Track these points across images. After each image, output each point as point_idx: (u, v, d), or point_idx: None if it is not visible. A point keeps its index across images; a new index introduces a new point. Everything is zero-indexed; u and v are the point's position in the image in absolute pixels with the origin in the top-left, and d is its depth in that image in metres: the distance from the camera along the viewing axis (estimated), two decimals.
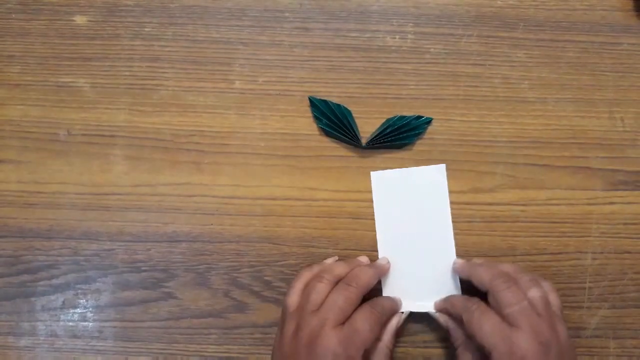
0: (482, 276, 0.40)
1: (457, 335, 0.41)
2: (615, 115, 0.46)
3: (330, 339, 0.36)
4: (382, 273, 0.43)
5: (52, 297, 0.45)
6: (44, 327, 0.44)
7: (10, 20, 0.48)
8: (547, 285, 0.40)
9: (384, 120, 0.46)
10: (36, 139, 0.46)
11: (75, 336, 0.44)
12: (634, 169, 0.45)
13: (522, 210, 0.45)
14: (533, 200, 0.45)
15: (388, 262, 0.44)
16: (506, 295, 0.38)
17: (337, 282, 0.40)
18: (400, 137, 0.45)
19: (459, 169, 0.46)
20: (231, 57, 0.47)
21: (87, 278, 0.45)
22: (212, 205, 0.45)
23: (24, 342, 0.44)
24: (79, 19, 0.48)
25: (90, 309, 0.45)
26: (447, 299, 0.42)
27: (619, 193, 0.45)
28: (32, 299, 0.45)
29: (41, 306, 0.45)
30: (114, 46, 0.47)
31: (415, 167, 0.45)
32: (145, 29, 0.47)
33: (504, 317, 0.38)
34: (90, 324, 0.44)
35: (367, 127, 0.46)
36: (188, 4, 0.48)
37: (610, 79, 0.47)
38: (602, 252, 0.45)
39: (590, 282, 0.44)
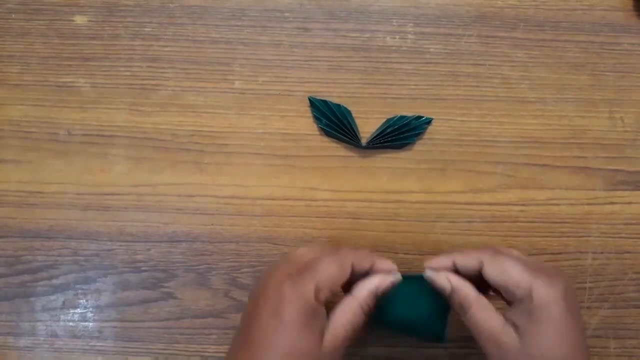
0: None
1: (466, 291, 0.36)
2: (615, 115, 0.46)
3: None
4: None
5: (52, 297, 0.45)
6: (44, 327, 0.44)
7: (10, 20, 0.48)
8: None
9: (384, 120, 0.46)
10: (36, 139, 0.46)
11: (75, 336, 0.44)
12: (634, 169, 0.45)
13: (522, 211, 0.45)
14: (533, 200, 0.45)
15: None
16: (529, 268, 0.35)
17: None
18: (400, 137, 0.45)
19: (459, 169, 0.45)
20: (231, 57, 0.47)
21: (87, 278, 0.45)
22: (212, 205, 0.45)
23: (23, 342, 0.44)
24: (79, 19, 0.48)
25: (90, 309, 0.45)
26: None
27: (619, 193, 0.45)
28: (32, 299, 0.45)
29: (41, 306, 0.45)
30: (113, 46, 0.47)
31: None
32: (145, 29, 0.47)
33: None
34: (91, 324, 0.44)
35: (367, 127, 0.46)
36: (188, 4, 0.48)
37: (610, 79, 0.47)
38: (602, 252, 0.45)
39: (590, 282, 0.44)
